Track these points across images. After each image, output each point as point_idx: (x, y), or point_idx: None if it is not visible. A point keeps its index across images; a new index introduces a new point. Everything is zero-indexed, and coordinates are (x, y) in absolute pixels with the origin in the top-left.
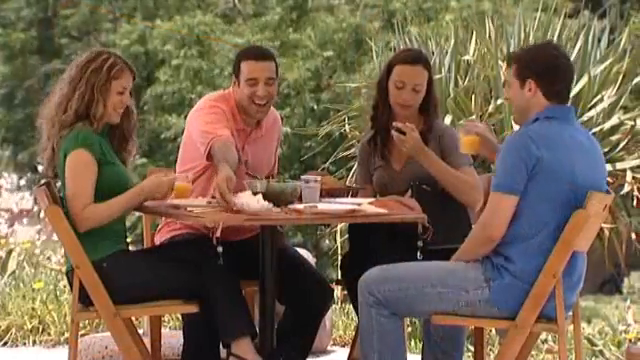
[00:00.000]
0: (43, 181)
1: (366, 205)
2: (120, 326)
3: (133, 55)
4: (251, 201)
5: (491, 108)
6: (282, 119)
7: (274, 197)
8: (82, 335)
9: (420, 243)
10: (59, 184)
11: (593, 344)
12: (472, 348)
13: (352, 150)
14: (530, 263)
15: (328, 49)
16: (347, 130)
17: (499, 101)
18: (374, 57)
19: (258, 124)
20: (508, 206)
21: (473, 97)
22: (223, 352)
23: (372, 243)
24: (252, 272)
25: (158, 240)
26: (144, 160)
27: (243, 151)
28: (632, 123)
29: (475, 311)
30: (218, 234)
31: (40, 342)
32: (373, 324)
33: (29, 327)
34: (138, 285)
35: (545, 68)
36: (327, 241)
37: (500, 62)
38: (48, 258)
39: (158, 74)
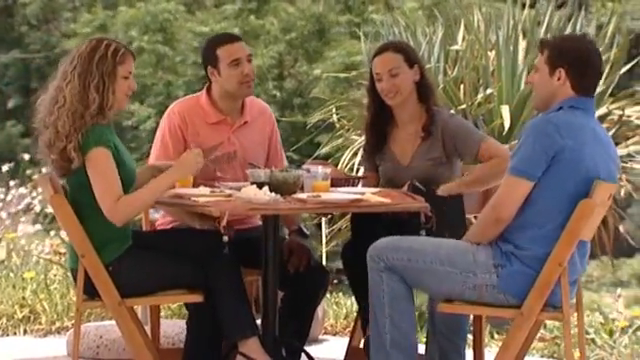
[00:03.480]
0: (46, 171)
1: (370, 195)
2: (125, 314)
3: None
4: (259, 194)
5: (480, 98)
6: None
7: (277, 186)
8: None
9: (423, 232)
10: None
11: (587, 332)
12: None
13: (339, 141)
14: (540, 250)
15: (291, 33)
16: (335, 120)
17: (488, 90)
18: (362, 40)
19: (241, 111)
20: (522, 190)
21: (462, 87)
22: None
23: (375, 233)
24: (252, 261)
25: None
26: None
27: (229, 141)
28: (620, 112)
29: (481, 296)
30: (224, 223)
31: (31, 331)
32: (384, 288)
33: (20, 316)
34: (143, 283)
35: (579, 60)
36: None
37: (489, 52)
38: (36, 249)
39: None
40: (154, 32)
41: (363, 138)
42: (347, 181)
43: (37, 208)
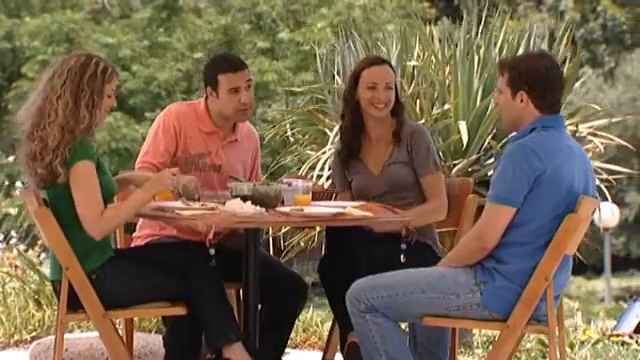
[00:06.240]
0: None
1: (351, 209)
2: (109, 327)
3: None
4: (245, 207)
5: (437, 113)
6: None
7: (259, 200)
8: (35, 337)
9: (404, 246)
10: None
11: (546, 345)
12: None
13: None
14: (524, 264)
15: (198, 51)
16: (289, 134)
17: (446, 106)
18: (317, 58)
19: (233, 129)
20: (505, 218)
21: (418, 102)
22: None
23: (350, 246)
24: (231, 274)
25: (136, 244)
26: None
27: (217, 154)
28: (574, 129)
29: (466, 314)
30: (211, 236)
31: None
32: (371, 328)
33: None
34: (127, 293)
35: (537, 80)
36: None
37: (445, 67)
38: None
39: (24, 71)
40: (59, 43)
41: (319, 154)
42: (325, 194)
43: None
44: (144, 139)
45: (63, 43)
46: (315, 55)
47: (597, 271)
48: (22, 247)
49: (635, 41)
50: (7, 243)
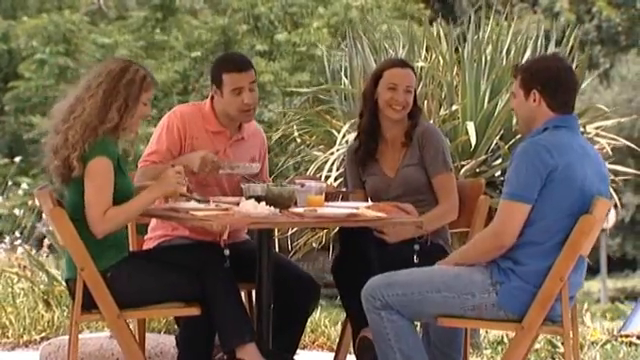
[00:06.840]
0: (44, 184)
1: (364, 209)
2: (123, 326)
3: None
4: (259, 208)
5: (446, 114)
6: (150, 120)
7: (273, 200)
8: (44, 338)
9: (417, 247)
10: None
11: (555, 346)
12: None
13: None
14: (539, 265)
15: (196, 50)
16: (296, 135)
17: (454, 107)
18: (324, 58)
19: (239, 127)
20: (521, 214)
21: (426, 103)
22: None
23: (362, 246)
24: (242, 275)
25: (150, 246)
26: (6, 161)
27: (224, 154)
28: (581, 130)
29: (481, 314)
30: (225, 237)
31: None
32: (386, 325)
33: None
34: (141, 292)
35: (548, 79)
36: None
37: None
38: None
39: (21, 71)
40: (56, 43)
41: (327, 154)
42: (338, 195)
43: None
44: (140, 139)
45: (61, 43)
46: (312, 56)
47: (593, 272)
48: (27, 247)
49: (630, 42)
50: (12, 244)
